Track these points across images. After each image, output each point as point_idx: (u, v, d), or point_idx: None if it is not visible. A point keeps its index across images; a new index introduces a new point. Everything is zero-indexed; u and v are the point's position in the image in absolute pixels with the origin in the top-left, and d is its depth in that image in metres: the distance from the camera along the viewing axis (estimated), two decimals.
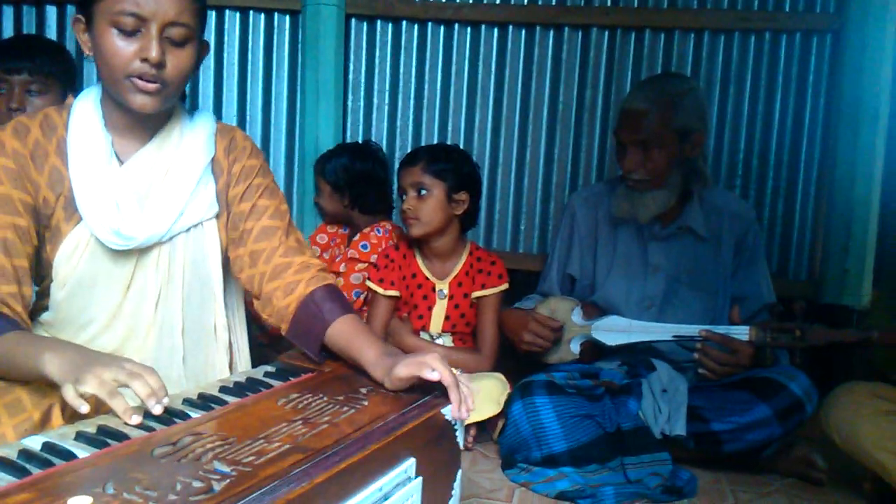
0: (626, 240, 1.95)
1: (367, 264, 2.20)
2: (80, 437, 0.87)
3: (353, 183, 2.30)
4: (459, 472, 1.06)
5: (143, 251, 1.23)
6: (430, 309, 2.07)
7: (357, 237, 2.28)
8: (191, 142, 1.27)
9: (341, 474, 0.79)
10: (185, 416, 0.95)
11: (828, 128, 2.48)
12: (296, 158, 2.68)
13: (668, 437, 1.66)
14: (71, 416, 1.03)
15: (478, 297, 2.05)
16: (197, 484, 0.72)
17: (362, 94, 2.68)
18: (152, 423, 0.91)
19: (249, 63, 2.68)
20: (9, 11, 2.69)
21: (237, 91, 2.69)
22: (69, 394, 0.92)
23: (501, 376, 1.92)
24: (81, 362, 0.96)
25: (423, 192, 1.98)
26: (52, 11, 2.68)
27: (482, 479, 1.66)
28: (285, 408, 0.97)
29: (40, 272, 1.24)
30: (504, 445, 1.75)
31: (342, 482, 0.79)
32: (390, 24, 2.65)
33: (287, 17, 2.66)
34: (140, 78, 1.12)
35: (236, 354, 1.38)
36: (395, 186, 2.13)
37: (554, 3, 2.59)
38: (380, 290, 2.07)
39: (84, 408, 0.91)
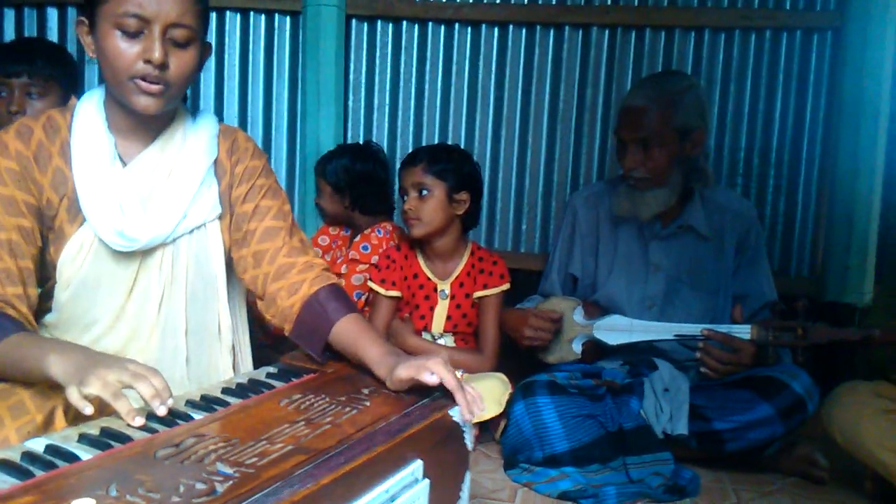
0: (627, 239, 1.95)
1: (368, 265, 2.20)
2: (84, 439, 0.87)
3: (354, 184, 2.30)
4: (468, 475, 1.06)
5: (146, 252, 1.23)
6: (431, 309, 2.07)
7: (358, 238, 2.28)
8: (194, 143, 1.27)
9: (347, 476, 0.79)
10: (187, 418, 0.95)
11: (829, 125, 2.48)
12: (297, 159, 2.68)
13: (669, 437, 1.66)
14: (74, 418, 1.04)
15: (479, 297, 2.05)
16: (200, 486, 0.72)
17: (363, 94, 2.68)
18: (155, 425, 0.91)
19: (250, 64, 2.68)
20: (10, 14, 2.70)
21: (238, 92, 2.69)
22: (73, 395, 0.92)
23: (503, 376, 1.92)
24: (85, 364, 0.96)
25: (424, 192, 1.98)
26: (53, 13, 2.68)
27: (484, 480, 1.67)
28: (288, 409, 0.97)
29: (44, 274, 1.24)
30: (506, 445, 1.75)
31: (348, 484, 0.79)
32: (390, 25, 2.65)
33: (287, 18, 2.66)
34: (143, 79, 1.13)
35: (239, 355, 1.38)
36: (396, 187, 2.13)
37: (554, 2, 2.58)
38: (381, 290, 2.07)
39: (88, 409, 0.91)
